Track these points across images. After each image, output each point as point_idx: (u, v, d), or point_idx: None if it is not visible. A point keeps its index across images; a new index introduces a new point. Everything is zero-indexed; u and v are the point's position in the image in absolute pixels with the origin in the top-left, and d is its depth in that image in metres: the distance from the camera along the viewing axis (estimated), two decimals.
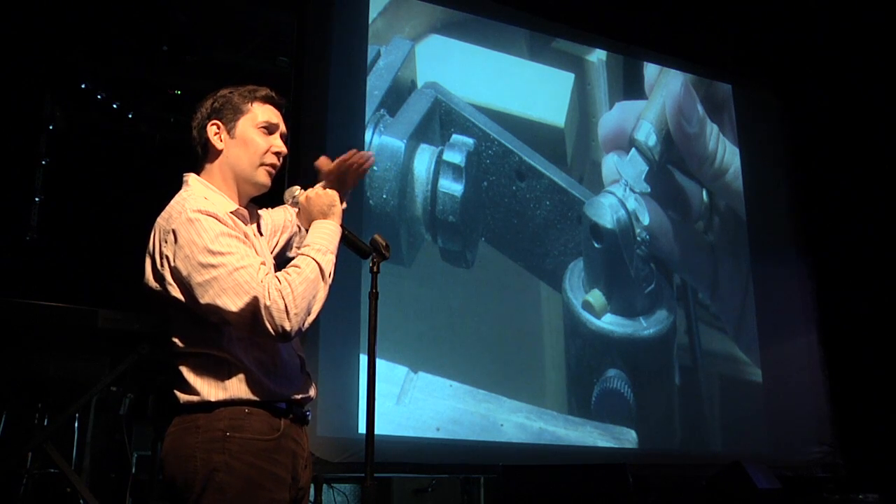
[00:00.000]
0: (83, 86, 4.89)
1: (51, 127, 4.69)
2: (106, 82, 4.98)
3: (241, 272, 1.62)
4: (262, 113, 1.85)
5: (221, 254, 1.63)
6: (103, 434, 3.75)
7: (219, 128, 1.82)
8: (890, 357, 5.19)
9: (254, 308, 1.61)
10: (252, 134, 1.83)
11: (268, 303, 1.61)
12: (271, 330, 1.62)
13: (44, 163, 4.67)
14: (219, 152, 1.82)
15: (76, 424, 3.57)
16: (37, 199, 4.61)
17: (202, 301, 1.63)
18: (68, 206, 4.73)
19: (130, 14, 4.75)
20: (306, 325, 1.67)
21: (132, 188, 4.83)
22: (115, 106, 5.02)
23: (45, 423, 3.34)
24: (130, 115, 5.09)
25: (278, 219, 2.05)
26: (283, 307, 1.62)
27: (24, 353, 3.18)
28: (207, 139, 1.83)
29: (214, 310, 1.63)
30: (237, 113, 1.83)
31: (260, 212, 1.98)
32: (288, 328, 1.63)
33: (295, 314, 1.64)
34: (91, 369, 3.27)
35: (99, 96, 4.95)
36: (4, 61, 4.36)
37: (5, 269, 4.19)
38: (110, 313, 3.17)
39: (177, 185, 1.84)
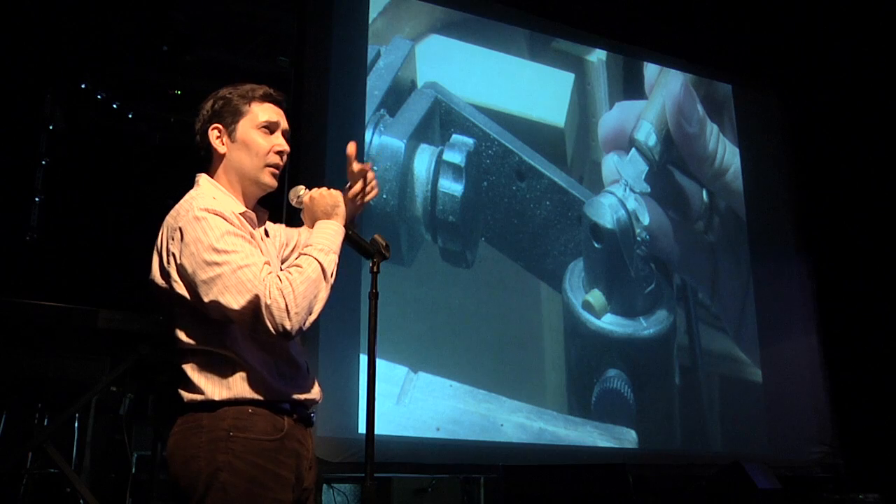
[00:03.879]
0: (83, 86, 4.88)
1: (51, 127, 4.69)
2: (106, 82, 4.98)
3: (244, 270, 1.63)
4: (262, 112, 1.84)
5: (226, 252, 1.64)
6: (103, 434, 3.74)
7: (220, 131, 1.82)
8: (890, 357, 5.19)
9: (255, 306, 1.61)
10: (253, 135, 1.82)
11: (268, 301, 1.61)
12: (272, 328, 1.63)
13: (44, 163, 4.67)
14: (222, 156, 1.83)
15: (76, 424, 3.57)
16: (37, 199, 4.61)
17: (206, 299, 1.63)
18: (68, 206, 4.73)
19: (130, 14, 4.75)
20: (307, 324, 1.68)
21: (132, 188, 4.83)
22: (115, 106, 5.01)
23: (45, 423, 3.34)
24: (130, 115, 5.09)
25: (292, 234, 2.05)
26: (283, 306, 1.62)
27: (24, 353, 3.18)
28: (209, 143, 1.83)
29: (217, 307, 1.63)
30: (236, 115, 1.82)
31: (276, 226, 1.99)
32: (289, 327, 1.63)
33: (296, 313, 1.64)
34: (91, 369, 3.27)
35: (99, 96, 4.94)
36: (4, 61, 4.36)
37: (5, 269, 4.19)
38: (110, 313, 3.17)
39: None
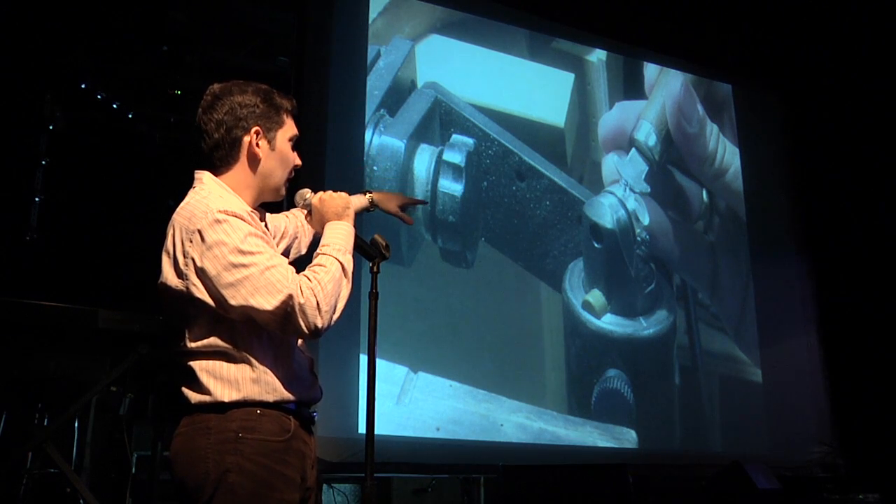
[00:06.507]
0: (83, 86, 4.88)
1: (51, 127, 4.69)
2: (106, 82, 4.98)
3: (272, 271, 1.64)
4: (290, 126, 1.86)
5: (252, 253, 1.64)
6: (103, 434, 3.74)
7: (259, 135, 1.79)
8: (890, 357, 5.18)
9: (287, 306, 1.62)
10: (286, 148, 1.85)
11: (301, 300, 1.63)
12: (304, 327, 1.64)
13: (44, 163, 4.67)
14: (255, 160, 1.80)
15: (76, 424, 3.57)
16: (37, 199, 4.61)
17: (233, 302, 1.63)
18: (68, 206, 4.73)
19: (130, 14, 4.75)
20: (333, 322, 1.70)
21: (132, 188, 4.83)
22: (115, 106, 5.01)
23: (45, 423, 3.34)
24: (130, 115, 5.09)
25: (280, 224, 2.06)
26: (315, 304, 1.64)
27: (24, 353, 3.18)
28: (248, 144, 1.78)
29: (246, 309, 1.63)
30: (275, 123, 1.82)
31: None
32: (321, 325, 1.65)
33: (326, 311, 1.66)
34: (91, 369, 3.27)
35: (99, 96, 4.94)
36: (4, 61, 4.36)
37: (5, 269, 4.19)
38: (110, 313, 3.17)
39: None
